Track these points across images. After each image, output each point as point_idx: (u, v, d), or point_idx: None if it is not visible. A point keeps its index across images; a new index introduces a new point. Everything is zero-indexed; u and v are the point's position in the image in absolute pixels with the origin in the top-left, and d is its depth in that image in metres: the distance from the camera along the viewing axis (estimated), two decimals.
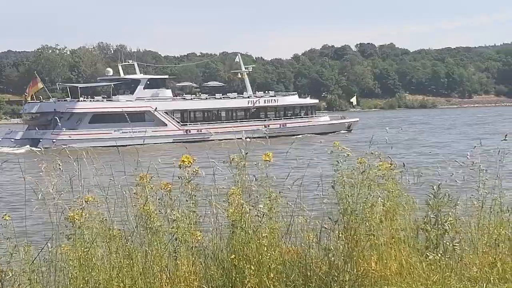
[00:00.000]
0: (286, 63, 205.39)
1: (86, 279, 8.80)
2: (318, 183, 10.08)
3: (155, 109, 75.45)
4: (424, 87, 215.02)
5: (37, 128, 72.29)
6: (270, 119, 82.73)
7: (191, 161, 9.26)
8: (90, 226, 9.03)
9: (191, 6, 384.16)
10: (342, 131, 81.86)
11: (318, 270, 9.33)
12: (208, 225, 9.60)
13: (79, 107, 72.99)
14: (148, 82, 79.17)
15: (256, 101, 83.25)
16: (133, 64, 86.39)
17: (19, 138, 70.36)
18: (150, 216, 9.15)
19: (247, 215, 9.25)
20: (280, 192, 9.56)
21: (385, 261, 9.39)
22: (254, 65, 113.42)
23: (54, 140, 66.88)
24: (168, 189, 9.25)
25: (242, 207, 9.23)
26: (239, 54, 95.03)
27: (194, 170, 9.24)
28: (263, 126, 78.43)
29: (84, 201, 9.08)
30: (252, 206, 9.35)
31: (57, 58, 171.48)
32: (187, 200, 9.25)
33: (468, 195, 10.50)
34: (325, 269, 9.32)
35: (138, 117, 73.01)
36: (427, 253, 9.38)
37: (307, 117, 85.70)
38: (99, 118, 71.87)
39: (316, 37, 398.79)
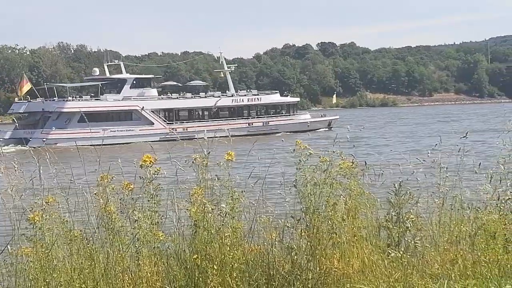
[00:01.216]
0: (247, 62, 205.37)
1: (47, 280, 8.71)
2: (280, 182, 10.10)
3: (142, 108, 76.53)
4: (385, 85, 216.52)
5: (25, 128, 72.92)
6: (254, 117, 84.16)
7: (153, 161, 9.20)
8: (51, 228, 8.94)
9: (151, 7, 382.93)
10: (323, 129, 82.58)
11: (281, 269, 9.33)
12: (171, 225, 9.56)
13: (68, 106, 73.64)
14: (134, 82, 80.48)
15: (240, 99, 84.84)
16: (119, 64, 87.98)
17: (7, 138, 70.29)
18: (111, 216, 9.09)
19: (210, 214, 9.23)
20: (242, 191, 9.54)
21: (348, 259, 9.42)
22: (236, 65, 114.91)
23: (44, 139, 68.53)
24: (129, 189, 9.19)
25: (205, 207, 9.20)
26: (221, 53, 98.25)
27: (156, 169, 9.19)
28: (247, 124, 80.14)
29: (44, 202, 8.99)
30: (215, 205, 9.33)
31: (16, 58, 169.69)
32: (148, 200, 9.19)
33: (429, 192, 10.57)
34: (288, 267, 9.32)
35: (126, 116, 75.30)
36: (389, 251, 9.42)
37: (289, 115, 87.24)
38: (87, 117, 72.15)
39: (277, 36, 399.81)
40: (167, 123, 76.92)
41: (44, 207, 8.96)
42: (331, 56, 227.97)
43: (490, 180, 10.56)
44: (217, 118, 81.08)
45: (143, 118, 76.69)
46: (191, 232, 9.32)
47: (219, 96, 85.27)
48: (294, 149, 9.71)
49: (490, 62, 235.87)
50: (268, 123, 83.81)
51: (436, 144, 11.17)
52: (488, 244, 9.93)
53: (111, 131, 71.06)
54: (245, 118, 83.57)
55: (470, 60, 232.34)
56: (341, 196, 9.72)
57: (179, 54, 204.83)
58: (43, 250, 8.81)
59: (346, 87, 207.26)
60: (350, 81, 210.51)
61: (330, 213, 9.54)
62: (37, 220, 8.81)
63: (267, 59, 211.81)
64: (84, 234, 9.16)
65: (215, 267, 9.04)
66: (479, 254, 9.80)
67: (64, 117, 73.09)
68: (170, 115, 78.83)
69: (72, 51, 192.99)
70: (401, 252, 9.32)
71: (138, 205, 9.18)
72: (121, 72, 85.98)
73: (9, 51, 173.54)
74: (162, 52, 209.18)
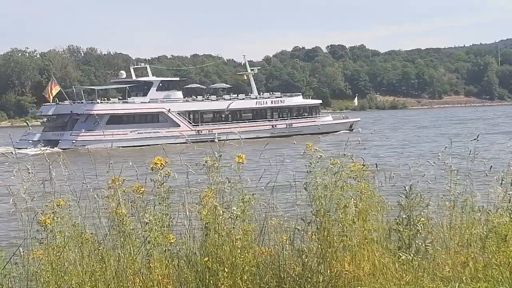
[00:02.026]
0: (257, 65, 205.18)
1: (58, 283, 8.73)
2: (291, 184, 10.11)
3: (169, 111, 77.48)
4: (394, 88, 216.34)
5: (53, 130, 74.09)
6: (277, 119, 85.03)
7: (163, 163, 9.21)
8: (62, 230, 8.96)
9: (162, 9, 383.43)
10: (345, 131, 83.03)
11: (291, 272, 9.34)
12: (182, 228, 9.58)
13: (97, 108, 74.65)
14: (160, 84, 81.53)
15: (263, 101, 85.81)
16: (146, 67, 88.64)
17: (36, 140, 71.52)
18: (123, 219, 9.11)
19: (221, 217, 9.24)
20: (253, 194, 9.55)
21: (358, 261, 9.42)
22: (259, 67, 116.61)
23: (74, 141, 69.79)
24: (140, 192, 9.20)
25: (216, 209, 9.21)
26: (245, 56, 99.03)
27: (167, 172, 9.20)
28: (270, 126, 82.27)
29: (55, 205, 9.01)
30: (225, 208, 9.34)
31: (27, 61, 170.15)
32: (159, 203, 9.20)
33: (440, 195, 10.56)
34: (298, 270, 9.33)
35: (153, 118, 76.47)
36: (400, 254, 9.41)
37: (311, 117, 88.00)
38: (116, 119, 74.19)
39: (287, 39, 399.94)
40: (193, 125, 78.17)
41: (54, 209, 8.98)
42: (340, 58, 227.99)
43: (501, 183, 10.54)
44: (241, 120, 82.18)
45: (169, 120, 77.65)
46: (202, 234, 9.33)
47: (243, 98, 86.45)
48: (304, 152, 9.72)
49: (500, 64, 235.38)
50: (291, 125, 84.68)
51: (446, 147, 11.16)
52: (499, 246, 9.91)
53: (138, 133, 72.15)
54: (268, 120, 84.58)
55: (480, 63, 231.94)
56: (352, 199, 9.71)
57: (189, 57, 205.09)
58: (54, 253, 8.83)
59: (355, 90, 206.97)
60: (359, 83, 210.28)
61: (340, 215, 9.54)
62: (48, 223, 8.84)
63: (276, 61, 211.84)
64: (95, 237, 9.19)
65: (226, 269, 9.05)
66: (490, 256, 9.78)
67: (93, 119, 73.80)
68: (196, 117, 79.74)
69: (82, 54, 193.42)
70: (412, 255, 9.31)
71: (149, 207, 9.20)
72: (146, 75, 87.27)
73: (20, 54, 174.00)
74: (172, 55, 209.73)
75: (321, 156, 9.66)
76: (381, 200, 10.16)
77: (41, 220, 8.86)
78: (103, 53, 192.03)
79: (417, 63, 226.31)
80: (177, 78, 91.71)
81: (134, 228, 9.15)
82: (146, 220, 9.10)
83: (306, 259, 9.35)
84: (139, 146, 64.50)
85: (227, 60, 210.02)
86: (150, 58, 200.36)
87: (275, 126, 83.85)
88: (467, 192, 10.55)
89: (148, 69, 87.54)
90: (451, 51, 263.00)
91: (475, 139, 11.20)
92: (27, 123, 77.32)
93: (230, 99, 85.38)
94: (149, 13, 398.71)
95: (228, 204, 9.39)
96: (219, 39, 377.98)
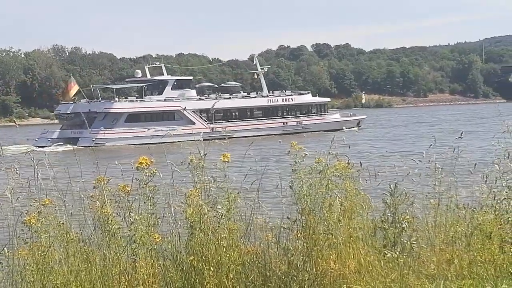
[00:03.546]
0: (242, 63, 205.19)
1: (44, 283, 8.71)
2: (277, 183, 10.11)
3: (184, 109, 79.25)
4: (379, 86, 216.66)
5: (71, 128, 75.46)
6: (288, 117, 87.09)
7: (149, 163, 9.20)
8: (48, 230, 8.93)
9: (146, 8, 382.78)
10: (353, 128, 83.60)
11: (277, 270, 9.34)
12: (167, 227, 9.57)
13: (116, 107, 76.45)
14: (175, 83, 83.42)
15: (275, 99, 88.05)
16: (160, 66, 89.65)
17: (55, 138, 72.96)
18: (108, 218, 9.09)
19: (206, 216, 9.23)
20: (238, 193, 9.55)
21: (344, 260, 9.43)
22: (268, 66, 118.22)
23: (93, 139, 71.08)
24: (126, 191, 9.19)
25: (201, 208, 9.21)
26: (255, 56, 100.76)
27: (152, 171, 9.19)
28: (281, 123, 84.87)
29: (41, 204, 8.98)
30: (211, 207, 9.33)
31: (11, 60, 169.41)
32: (145, 202, 9.19)
33: (425, 193, 10.59)
34: (284, 268, 9.33)
35: (168, 116, 78.52)
36: (385, 252, 9.43)
37: (320, 114, 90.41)
38: (133, 118, 76.06)
39: (272, 37, 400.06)
40: (208, 123, 79.72)
41: (39, 209, 8.96)
42: (325, 57, 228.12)
43: (486, 180, 10.59)
44: (253, 118, 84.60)
45: (185, 118, 79.27)
46: (188, 233, 9.33)
47: (255, 97, 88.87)
48: (289, 151, 9.74)
49: (485, 62, 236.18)
50: (302, 123, 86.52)
51: (431, 145, 11.20)
52: (484, 244, 9.95)
53: (155, 130, 72.64)
54: (279, 118, 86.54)
55: (464, 61, 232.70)
56: (337, 197, 9.72)
57: (174, 56, 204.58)
58: (39, 252, 8.80)
59: (341, 88, 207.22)
60: (345, 82, 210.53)
61: (326, 214, 9.55)
62: (33, 223, 8.81)
63: (262, 60, 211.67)
64: (81, 236, 9.17)
65: (211, 268, 9.05)
66: (475, 254, 9.82)
67: (111, 117, 75.54)
68: (209, 115, 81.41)
69: (67, 54, 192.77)
70: (397, 253, 9.33)
71: (134, 207, 9.19)
72: (161, 74, 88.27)
73: (4, 54, 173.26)
74: (157, 54, 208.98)
75: (305, 155, 9.67)
76: (366, 198, 10.19)
77: (26, 220, 8.83)
78: (87, 53, 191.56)
79: (402, 62, 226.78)
80: (191, 77, 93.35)
81: (120, 227, 9.14)
82: (131, 220, 9.09)
83: (291, 258, 9.35)
84: (156, 143, 64.86)
85: (212, 59, 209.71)
86: (135, 58, 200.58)
87: (286, 123, 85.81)
88: (452, 189, 10.59)
89: (163, 68, 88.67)
90: (435, 50, 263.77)
91: (459, 137, 11.25)
92: (14, 122, 77.52)
93: (243, 97, 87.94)
94: (139, 12, 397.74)
95: (213, 203, 9.40)
96: (204, 38, 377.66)
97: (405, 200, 9.78)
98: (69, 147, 60.85)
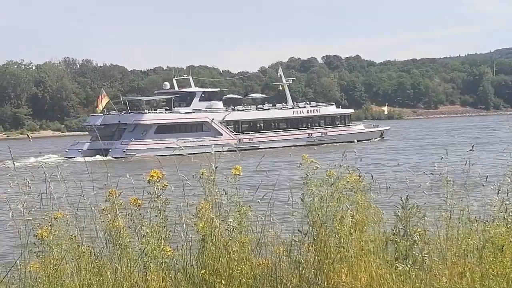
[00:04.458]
0: (253, 76, 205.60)
1: None
2: (288, 196, 10.10)
3: (212, 120, 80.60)
4: (390, 98, 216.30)
5: (101, 139, 76.01)
6: (312, 128, 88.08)
7: (160, 176, 9.21)
8: (59, 243, 8.94)
9: (157, 20, 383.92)
10: (376, 139, 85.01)
11: (288, 283, 9.32)
12: (178, 240, 9.56)
13: (145, 118, 78.07)
14: (202, 95, 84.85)
15: (300, 111, 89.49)
16: (188, 78, 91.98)
17: (86, 149, 73.33)
18: (120, 232, 9.10)
19: (217, 229, 9.23)
20: (250, 206, 9.55)
21: (355, 273, 9.41)
22: (294, 78, 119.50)
23: (124, 150, 72.84)
24: (137, 204, 9.20)
25: (212, 221, 9.20)
26: (280, 68, 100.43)
27: (164, 184, 9.20)
28: (307, 134, 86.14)
29: (53, 218, 9.00)
30: (222, 220, 9.33)
31: (22, 73, 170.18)
32: (156, 215, 9.20)
33: (436, 205, 10.55)
34: (295, 282, 9.31)
35: (197, 128, 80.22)
36: (397, 265, 9.40)
37: (344, 125, 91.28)
38: (163, 129, 77.58)
39: (282, 50, 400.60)
40: (235, 134, 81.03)
41: (51, 223, 8.97)
42: (336, 69, 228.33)
43: (498, 193, 10.54)
44: (278, 129, 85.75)
45: (212, 130, 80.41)
46: (199, 246, 9.33)
47: (280, 108, 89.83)
48: (300, 164, 9.73)
49: (496, 74, 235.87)
50: (326, 134, 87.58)
51: (442, 158, 11.17)
52: (496, 257, 9.90)
53: (184, 141, 73.06)
54: (304, 129, 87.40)
55: (475, 72, 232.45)
56: (348, 210, 9.71)
57: (185, 68, 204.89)
58: (51, 265, 8.81)
59: (351, 100, 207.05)
60: (355, 94, 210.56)
61: (337, 226, 9.54)
62: (45, 236, 8.82)
63: (272, 72, 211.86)
64: (92, 250, 9.17)
65: (223, 281, 9.03)
66: (487, 267, 9.77)
67: (141, 128, 76.86)
68: (236, 126, 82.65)
69: (78, 66, 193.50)
70: (409, 266, 9.30)
71: (145, 220, 9.20)
72: (188, 86, 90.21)
73: (15, 66, 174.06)
74: (168, 66, 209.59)
75: (317, 167, 9.67)
76: (377, 211, 10.16)
77: (38, 233, 8.85)
78: (98, 65, 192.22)
79: (412, 73, 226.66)
80: (218, 89, 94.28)
81: (131, 241, 9.15)
82: (143, 233, 9.10)
83: (303, 271, 9.34)
84: (186, 154, 65.02)
85: (222, 71, 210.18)
86: (145, 70, 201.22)
87: (311, 134, 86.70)
88: (463, 202, 10.55)
89: (191, 80, 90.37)
90: (446, 61, 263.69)
91: (471, 149, 11.22)
92: (28, 136, 78.16)
93: (269, 109, 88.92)
94: (147, 24, 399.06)
95: (225, 216, 9.39)
96: (214, 51, 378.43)
97: (416, 213, 9.75)
98: (100, 158, 61.19)
